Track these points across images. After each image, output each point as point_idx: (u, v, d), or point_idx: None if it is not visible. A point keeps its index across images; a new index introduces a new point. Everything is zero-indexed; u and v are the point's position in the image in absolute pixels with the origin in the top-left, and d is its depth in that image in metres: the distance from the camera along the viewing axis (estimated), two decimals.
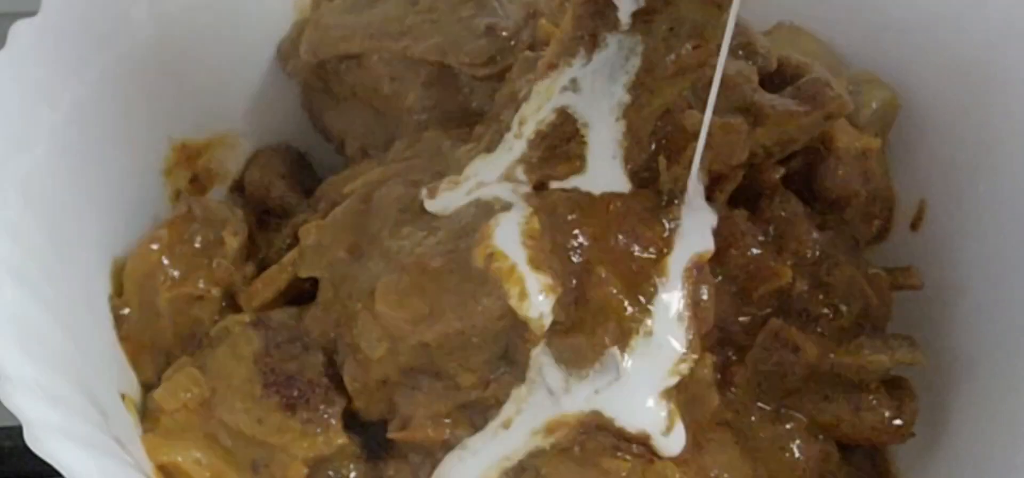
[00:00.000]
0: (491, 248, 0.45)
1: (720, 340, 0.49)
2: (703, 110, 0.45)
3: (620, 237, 0.46)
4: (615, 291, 0.46)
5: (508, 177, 0.48)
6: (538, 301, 0.44)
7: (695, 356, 0.47)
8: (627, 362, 0.46)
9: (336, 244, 0.49)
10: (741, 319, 0.50)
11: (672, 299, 0.46)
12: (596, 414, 0.45)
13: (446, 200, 0.48)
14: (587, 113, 0.47)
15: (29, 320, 0.42)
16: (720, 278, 0.49)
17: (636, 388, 0.46)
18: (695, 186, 0.48)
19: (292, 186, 0.58)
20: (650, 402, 0.46)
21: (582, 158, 0.47)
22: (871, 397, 0.50)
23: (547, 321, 0.45)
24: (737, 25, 0.52)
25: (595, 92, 0.47)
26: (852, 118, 0.53)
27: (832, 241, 0.52)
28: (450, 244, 0.46)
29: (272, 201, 0.57)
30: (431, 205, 0.48)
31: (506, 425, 0.46)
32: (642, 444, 0.45)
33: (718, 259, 0.49)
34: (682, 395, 0.46)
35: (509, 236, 0.45)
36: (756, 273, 0.50)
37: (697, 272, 0.47)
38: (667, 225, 0.47)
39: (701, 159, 0.47)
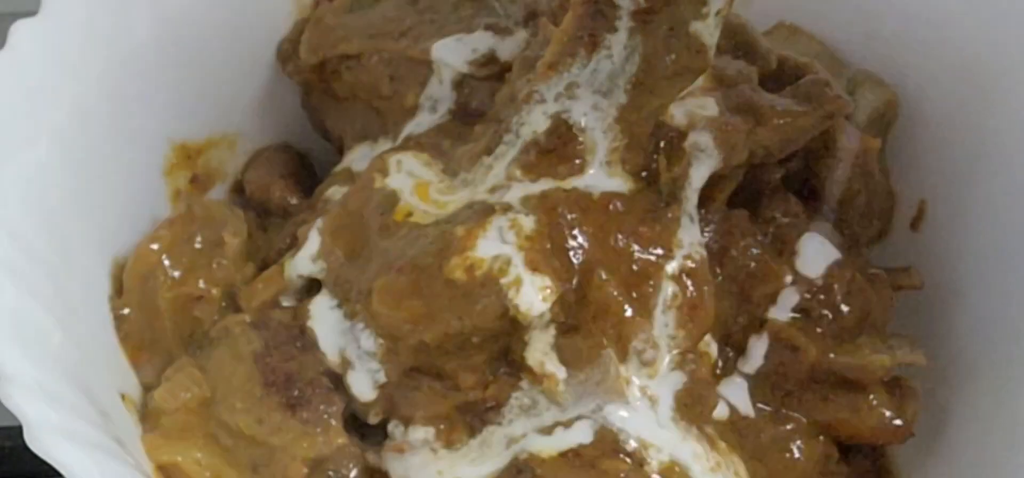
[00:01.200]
0: (470, 260, 0.45)
1: (720, 340, 0.49)
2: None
3: (620, 237, 0.46)
4: (615, 293, 0.46)
5: (507, 177, 0.47)
6: (536, 303, 0.44)
7: (695, 357, 0.47)
8: (626, 367, 0.46)
9: (334, 244, 0.49)
10: (741, 319, 0.50)
11: (671, 299, 0.46)
12: (594, 417, 0.45)
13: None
14: (586, 114, 0.47)
15: (29, 320, 0.42)
16: (720, 278, 0.49)
17: (634, 392, 0.46)
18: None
19: (292, 186, 0.58)
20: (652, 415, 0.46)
21: (581, 159, 0.47)
22: (871, 397, 0.50)
23: (543, 342, 0.45)
24: (737, 25, 0.52)
25: (594, 93, 0.47)
26: (852, 118, 0.53)
27: None
28: (445, 243, 0.46)
29: (272, 201, 0.57)
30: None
31: (506, 425, 0.46)
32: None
33: (718, 259, 0.49)
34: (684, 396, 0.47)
35: (505, 238, 0.45)
36: (756, 273, 0.50)
37: (697, 272, 0.47)
38: (667, 225, 0.47)
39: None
